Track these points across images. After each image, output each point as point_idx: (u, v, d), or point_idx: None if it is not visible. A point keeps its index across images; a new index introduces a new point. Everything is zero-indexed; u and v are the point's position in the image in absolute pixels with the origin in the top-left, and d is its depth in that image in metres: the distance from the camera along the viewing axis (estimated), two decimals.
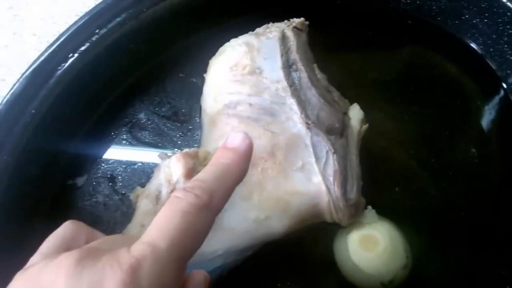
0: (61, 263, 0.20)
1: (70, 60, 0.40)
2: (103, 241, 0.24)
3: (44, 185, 0.41)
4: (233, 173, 0.25)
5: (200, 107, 0.42)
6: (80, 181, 0.42)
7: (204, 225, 0.23)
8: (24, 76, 0.38)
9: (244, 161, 0.26)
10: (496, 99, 0.46)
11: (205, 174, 0.25)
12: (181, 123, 0.45)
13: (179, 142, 0.44)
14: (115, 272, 0.20)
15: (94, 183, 0.42)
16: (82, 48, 0.40)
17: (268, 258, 0.36)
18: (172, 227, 0.22)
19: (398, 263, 0.35)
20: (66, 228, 0.26)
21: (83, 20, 0.41)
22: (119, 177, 0.43)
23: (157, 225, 0.22)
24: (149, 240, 0.21)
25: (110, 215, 0.41)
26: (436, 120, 0.44)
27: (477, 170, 0.42)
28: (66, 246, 0.25)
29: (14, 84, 0.38)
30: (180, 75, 0.48)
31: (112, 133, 0.45)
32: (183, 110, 0.46)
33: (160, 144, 0.44)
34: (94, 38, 0.41)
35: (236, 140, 0.26)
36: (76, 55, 0.40)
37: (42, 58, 0.39)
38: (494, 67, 0.47)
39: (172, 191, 0.31)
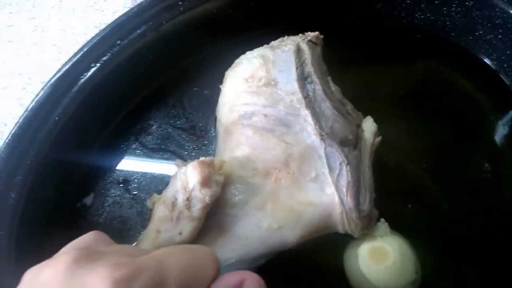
0: (59, 261, 0.20)
1: (92, 70, 0.41)
2: (113, 248, 0.24)
3: (60, 199, 0.41)
4: None
5: (215, 117, 0.43)
6: (89, 199, 0.43)
7: None
8: (48, 84, 0.39)
9: None
10: (510, 114, 0.46)
11: None
12: (197, 137, 0.46)
13: (193, 154, 0.45)
14: (108, 273, 0.19)
15: (108, 193, 0.43)
16: (104, 58, 0.41)
17: (279, 267, 0.36)
18: None
19: (407, 278, 0.35)
20: (86, 238, 0.25)
21: (105, 32, 0.42)
22: (135, 181, 0.43)
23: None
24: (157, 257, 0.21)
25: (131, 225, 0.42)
26: (450, 134, 0.44)
27: (490, 185, 0.41)
28: None
29: (39, 92, 0.39)
30: (196, 88, 0.48)
31: (126, 143, 0.46)
32: (200, 125, 0.46)
33: (175, 155, 0.45)
34: (115, 49, 0.42)
35: None
36: (98, 65, 0.41)
37: (66, 67, 0.40)
38: (508, 83, 0.47)
39: (188, 198, 0.32)
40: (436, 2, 0.48)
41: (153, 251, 0.23)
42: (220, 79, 0.43)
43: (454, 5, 0.47)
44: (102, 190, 0.43)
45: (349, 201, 0.35)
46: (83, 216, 0.42)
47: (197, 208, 0.32)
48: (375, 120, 0.40)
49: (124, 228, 0.41)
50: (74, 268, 0.20)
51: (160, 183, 0.43)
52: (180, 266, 0.22)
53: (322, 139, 0.36)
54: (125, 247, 0.26)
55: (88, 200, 0.43)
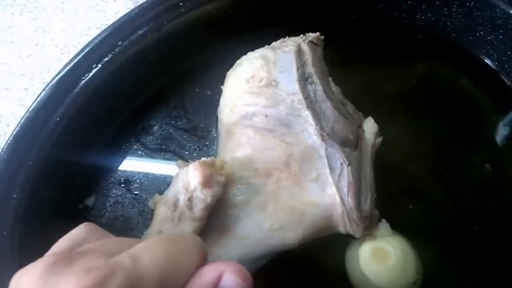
0: (37, 266, 0.20)
1: (94, 71, 0.41)
2: (95, 245, 0.24)
3: (62, 200, 0.41)
4: None
5: (217, 117, 0.43)
6: (91, 200, 0.43)
7: None
8: (50, 84, 0.39)
9: None
10: (511, 115, 0.46)
11: None
12: (198, 138, 0.46)
13: (194, 155, 0.45)
14: (79, 280, 0.19)
15: (109, 193, 0.43)
16: (105, 59, 0.41)
17: (281, 267, 0.36)
18: None
19: (408, 279, 0.35)
20: (77, 231, 0.25)
21: (107, 32, 0.42)
22: (137, 182, 0.44)
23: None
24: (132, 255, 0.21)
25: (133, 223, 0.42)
26: (451, 135, 0.44)
27: (491, 185, 0.41)
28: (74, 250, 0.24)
29: (41, 93, 0.39)
30: (198, 88, 0.49)
31: (128, 144, 0.46)
32: (201, 125, 0.47)
33: (176, 156, 0.45)
34: (116, 50, 0.42)
35: None
36: (99, 65, 0.41)
37: (68, 68, 0.40)
38: (508, 83, 0.47)
39: (189, 198, 0.32)
40: (437, 3, 0.48)
41: (136, 244, 0.23)
42: (221, 80, 0.43)
43: (455, 6, 0.47)
44: (104, 191, 0.43)
45: (350, 201, 0.35)
46: (85, 218, 0.42)
47: (198, 208, 0.32)
48: (376, 121, 0.40)
49: (127, 228, 0.41)
50: (49, 274, 0.20)
51: (162, 183, 0.43)
52: (157, 260, 0.21)
53: (323, 139, 0.36)
54: (114, 240, 0.25)
55: (90, 201, 0.43)
